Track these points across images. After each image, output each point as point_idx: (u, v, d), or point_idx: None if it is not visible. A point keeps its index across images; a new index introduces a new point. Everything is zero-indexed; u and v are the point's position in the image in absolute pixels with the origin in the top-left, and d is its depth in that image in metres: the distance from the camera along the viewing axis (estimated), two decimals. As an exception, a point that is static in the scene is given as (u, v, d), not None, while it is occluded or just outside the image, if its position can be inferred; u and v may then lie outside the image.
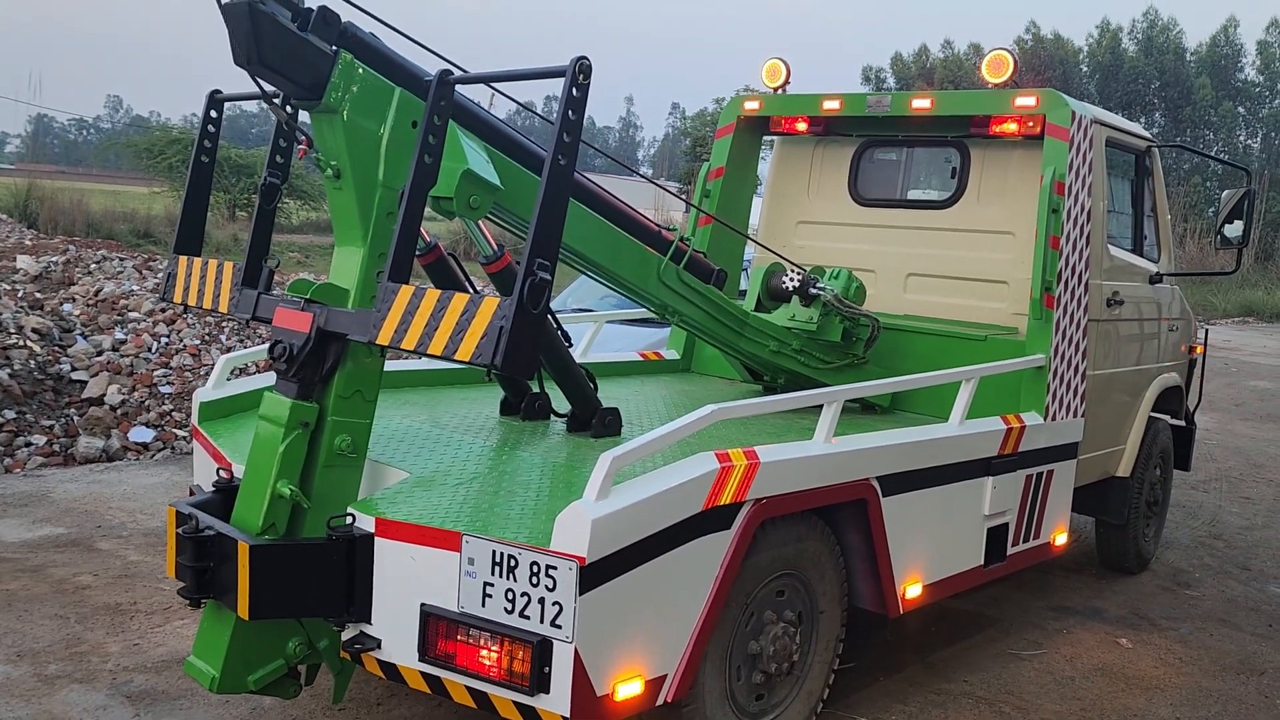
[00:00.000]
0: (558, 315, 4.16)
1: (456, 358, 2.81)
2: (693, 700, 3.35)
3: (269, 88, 3.22)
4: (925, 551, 4.21)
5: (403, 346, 2.97)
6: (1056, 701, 4.46)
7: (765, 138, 6.27)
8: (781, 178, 6.29)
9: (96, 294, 9.97)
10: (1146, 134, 5.98)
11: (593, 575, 2.83)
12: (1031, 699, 4.46)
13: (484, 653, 2.93)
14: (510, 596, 2.90)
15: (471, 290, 3.88)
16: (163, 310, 9.42)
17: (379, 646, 3.14)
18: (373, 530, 3.13)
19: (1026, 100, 5.08)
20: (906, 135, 5.87)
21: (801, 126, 6.05)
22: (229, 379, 4.40)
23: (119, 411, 7.93)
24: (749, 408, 3.75)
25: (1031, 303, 4.92)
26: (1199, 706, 4.51)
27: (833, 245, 6.06)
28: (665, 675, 3.13)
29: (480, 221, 3.79)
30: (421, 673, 3.07)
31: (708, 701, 3.40)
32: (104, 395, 8.02)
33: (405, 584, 3.08)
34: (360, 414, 3.34)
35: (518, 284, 2.72)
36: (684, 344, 6.15)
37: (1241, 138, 41.68)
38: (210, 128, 3.82)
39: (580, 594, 2.81)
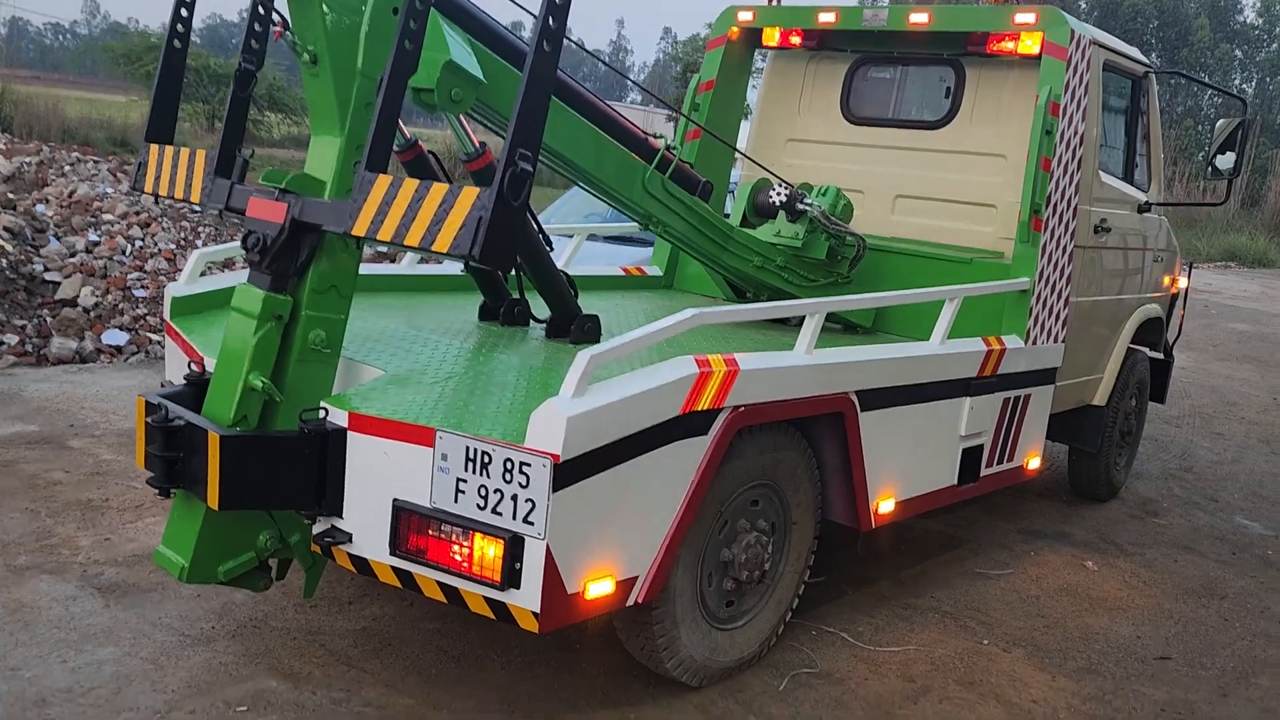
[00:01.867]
0: (540, 222, 4.09)
1: (434, 249, 2.76)
2: (663, 603, 3.37)
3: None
4: (900, 468, 4.23)
5: (379, 237, 2.90)
6: (1021, 618, 4.52)
7: (759, 56, 6.15)
8: (773, 94, 6.18)
9: (70, 195, 9.77)
10: (1145, 60, 5.89)
11: (566, 473, 2.81)
12: (997, 615, 4.53)
13: (455, 548, 2.92)
14: (483, 493, 2.89)
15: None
16: (137, 214, 9.26)
17: (350, 541, 3.13)
18: (346, 424, 3.09)
19: (1026, 17, 4.98)
20: (902, 52, 5.75)
21: (795, 40, 5.92)
22: (202, 275, 4.32)
23: (92, 314, 7.83)
24: (729, 314, 3.73)
25: (1019, 225, 4.88)
26: (1159, 626, 4.59)
27: (822, 164, 5.98)
28: (636, 577, 3.14)
29: (462, 118, 3.69)
30: (393, 568, 3.06)
31: (678, 605, 3.43)
32: (77, 297, 7.90)
33: (378, 479, 3.06)
34: (335, 309, 3.29)
35: (498, 174, 2.65)
36: (667, 260, 6.08)
37: (1237, 80, 41.42)
38: (183, 11, 3.69)
39: (554, 491, 2.79)
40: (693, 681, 3.58)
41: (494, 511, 2.88)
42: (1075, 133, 4.99)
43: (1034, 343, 4.93)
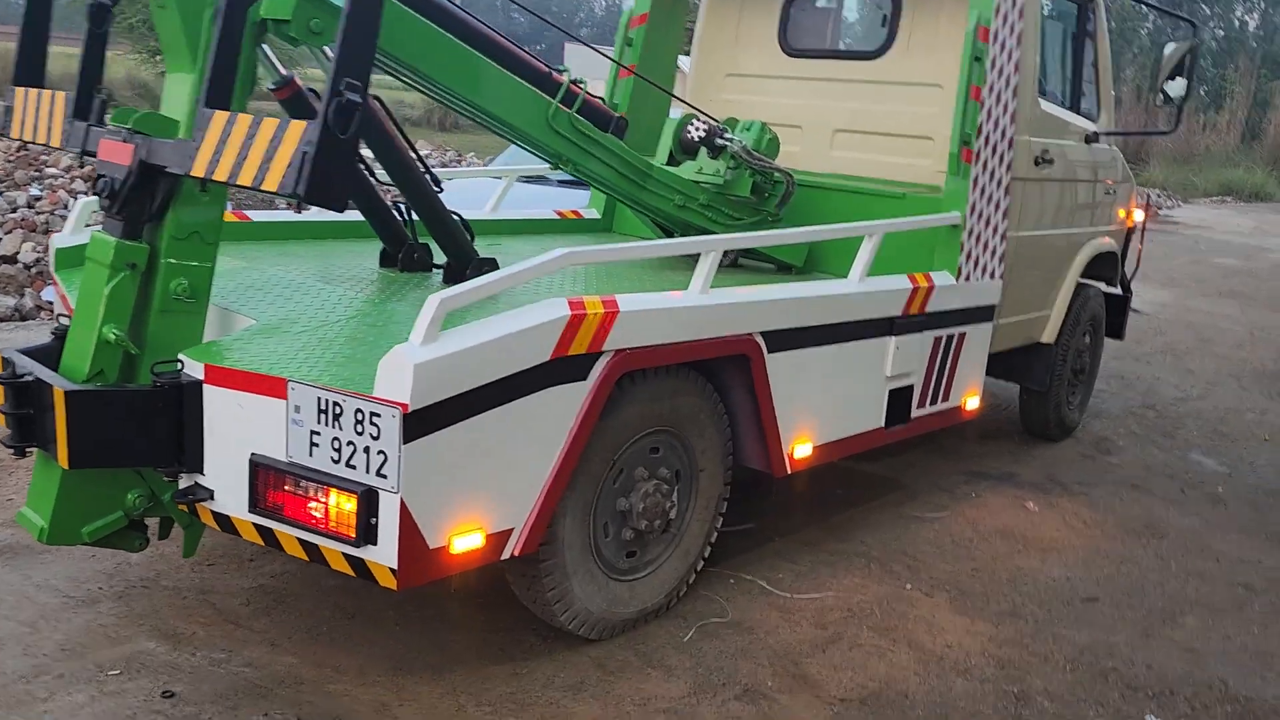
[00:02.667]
0: (429, 163, 3.91)
1: (263, 188, 2.59)
2: (550, 555, 3.25)
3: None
4: (817, 411, 4.08)
5: (215, 178, 2.74)
6: (950, 561, 4.41)
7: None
8: (711, 27, 5.95)
9: (17, 151, 9.57)
10: (1091, -19, 5.65)
11: (418, 423, 2.67)
12: (924, 559, 4.42)
13: (312, 504, 2.79)
14: (336, 445, 2.75)
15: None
16: (81, 166, 9.06)
17: (212, 498, 3.00)
18: (201, 377, 2.95)
19: (955, -63, 4.74)
20: (835, -21, 5.52)
21: (728, -31, 5.69)
22: (89, 225, 4.15)
23: (33, 270, 7.67)
24: (606, 253, 3.55)
25: (949, 157, 4.69)
26: (1093, 567, 4.48)
27: (759, 99, 5.77)
28: (512, 529, 3.02)
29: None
30: (254, 524, 2.94)
31: (567, 556, 3.31)
32: (17, 253, 7.74)
33: (235, 433, 2.92)
34: (198, 257, 3.13)
35: (322, 105, 2.48)
36: (605, 203, 5.89)
37: (1239, 13, 40.61)
38: None
39: (404, 443, 2.66)
40: (590, 634, 3.48)
41: (348, 465, 2.74)
42: (1009, 59, 4.77)
43: (967, 279, 4.76)
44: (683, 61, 6.12)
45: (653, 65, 5.74)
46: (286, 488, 2.83)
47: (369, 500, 2.71)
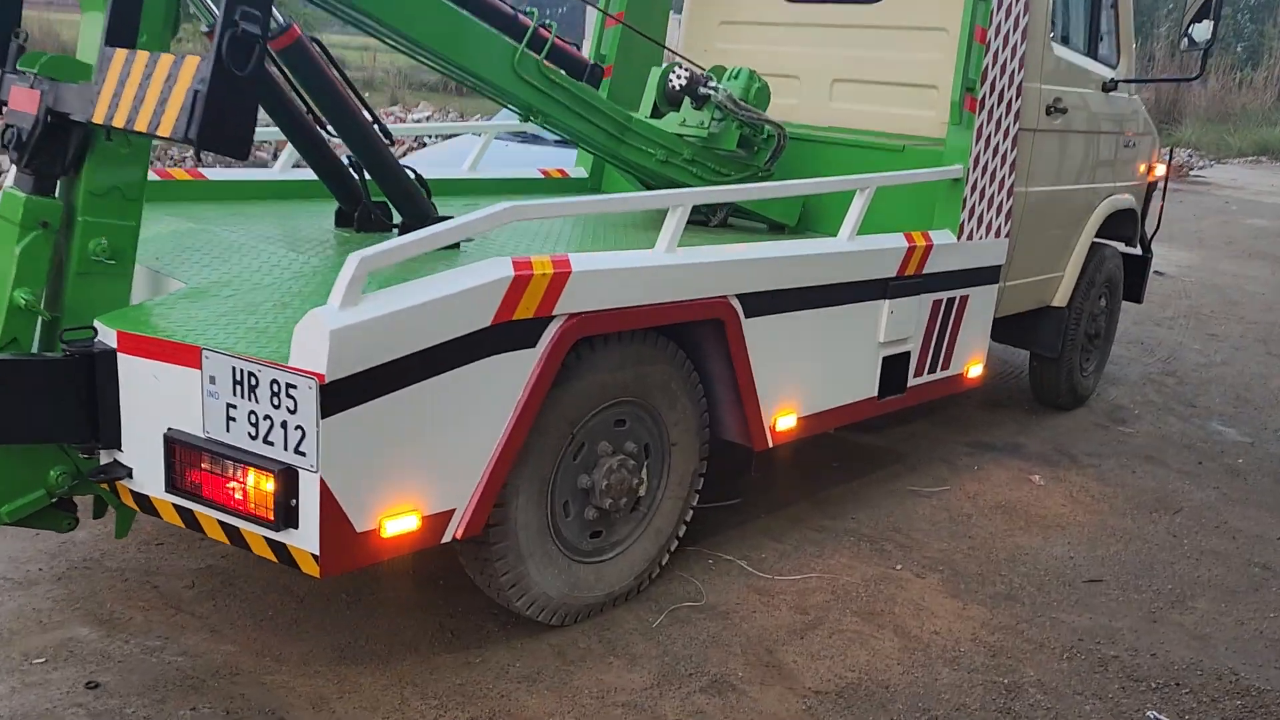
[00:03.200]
0: (380, 117, 3.64)
1: (159, 134, 2.34)
2: (501, 537, 3.02)
3: None
4: (802, 380, 3.82)
5: (114, 123, 2.49)
6: (945, 540, 4.15)
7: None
8: (705, -30, 5.61)
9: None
10: (1109, -86, 5.26)
11: (339, 396, 2.43)
12: (919, 536, 4.15)
13: (231, 484, 2.56)
14: (254, 420, 2.52)
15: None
16: None
17: (130, 476, 2.78)
18: (115, 345, 2.72)
19: None
20: (833, -84, 5.17)
21: (722, -92, 5.35)
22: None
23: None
24: (554, 207, 3.28)
25: (951, 106, 4.37)
26: (1098, 545, 4.20)
27: (757, 48, 5.45)
28: (453, 510, 2.78)
29: None
30: (174, 505, 2.72)
31: (521, 537, 3.07)
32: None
33: (151, 406, 2.70)
34: (120, 214, 2.89)
35: (215, 38, 2.22)
36: (593, 162, 5.60)
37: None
38: None
39: (323, 417, 2.42)
40: (551, 620, 3.24)
41: (265, 441, 2.51)
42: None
43: (969, 238, 4.45)
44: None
45: (643, 13, 5.43)
46: (204, 466, 2.60)
47: (287, 480, 2.48)
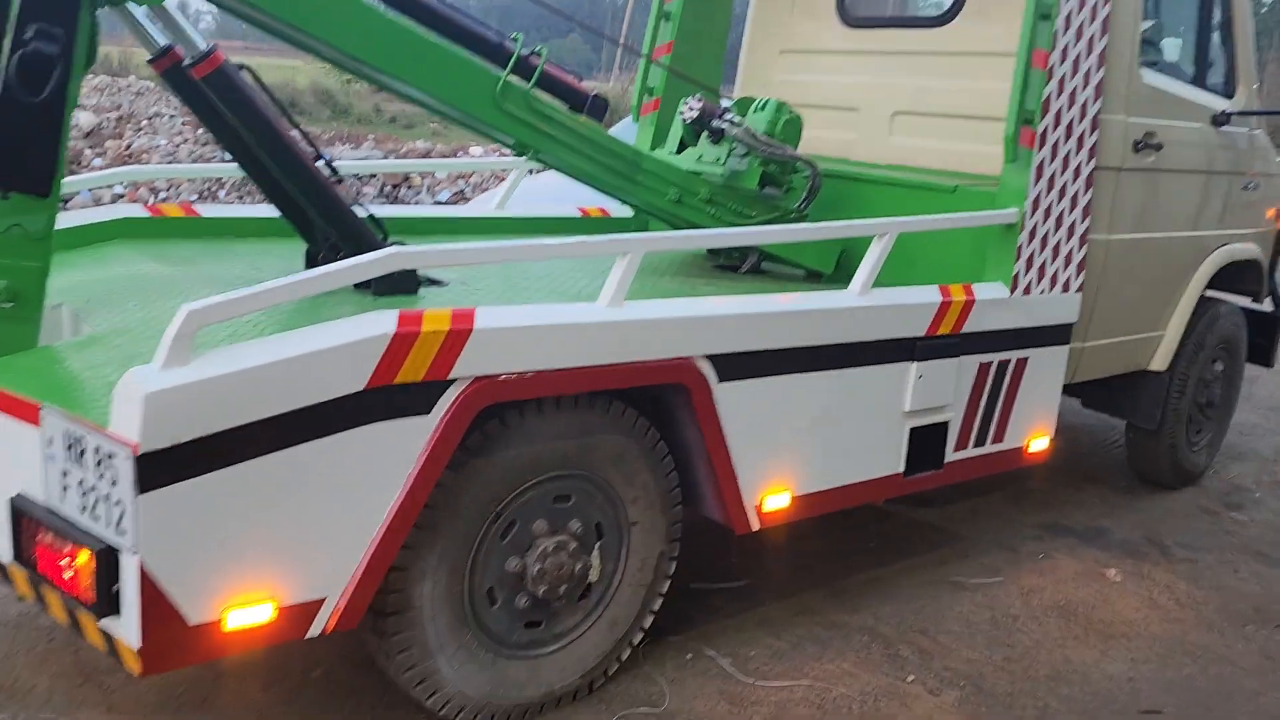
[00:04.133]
0: (328, 156, 3.35)
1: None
2: (403, 627, 2.64)
3: None
4: (799, 454, 3.31)
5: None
6: (978, 647, 3.53)
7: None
8: (764, -4, 5.19)
9: (127, 149, 9.73)
10: (1223, -75, 4.57)
11: (159, 467, 2.11)
12: (946, 640, 3.55)
13: (63, 560, 2.28)
14: (84, 488, 2.23)
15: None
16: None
17: (-11, 539, 2.54)
18: (-23, 397, 2.49)
19: None
20: (895, -68, 4.67)
21: (779, -72, 4.92)
22: None
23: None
24: (442, 254, 2.89)
25: (1005, 140, 3.79)
26: (1168, 664, 3.50)
27: (816, 78, 4.99)
28: (323, 599, 2.42)
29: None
30: (25, 576, 2.46)
31: (429, 630, 2.68)
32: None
33: (4, 467, 2.45)
34: (22, 254, 2.67)
35: (4, 59, 1.94)
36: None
37: None
38: None
39: (140, 492, 2.10)
40: (470, 721, 2.84)
41: (91, 515, 2.21)
42: (1093, 18, 3.82)
43: (1026, 292, 3.85)
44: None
45: (697, 45, 5.04)
46: (41, 537, 2.33)
47: (108, 560, 2.17)
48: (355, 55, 3.11)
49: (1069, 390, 4.94)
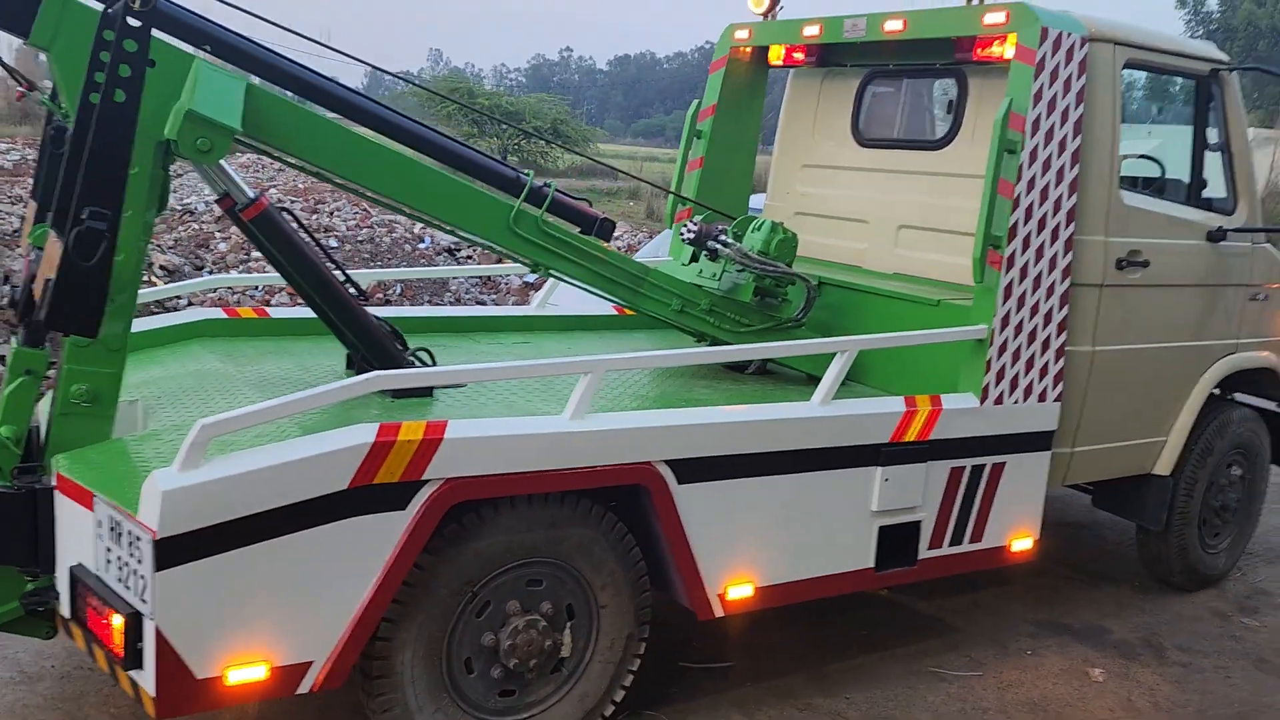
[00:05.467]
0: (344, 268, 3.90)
1: (41, 315, 2.68)
2: (386, 689, 3.09)
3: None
4: (763, 548, 3.65)
5: (39, 300, 2.87)
6: (938, 737, 3.77)
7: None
8: (790, 116, 5.65)
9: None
10: (1213, 54, 4.81)
11: (173, 550, 2.63)
12: (909, 730, 3.80)
13: (104, 620, 2.81)
14: (120, 563, 2.77)
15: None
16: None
17: (58, 599, 3.11)
18: (55, 484, 3.08)
19: (995, 17, 4.20)
20: (899, 65, 5.07)
21: (799, 57, 5.38)
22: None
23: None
24: (423, 376, 3.36)
25: (973, 262, 4.11)
26: (1121, 767, 3.66)
27: (831, 192, 5.39)
28: (310, 662, 2.89)
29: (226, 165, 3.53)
30: (80, 632, 3.01)
31: (409, 692, 3.13)
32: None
33: (70, 541, 3.02)
34: (100, 363, 3.26)
35: (65, 234, 2.54)
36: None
37: None
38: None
39: (157, 569, 2.62)
40: (447, 776, 3.25)
41: (125, 585, 2.75)
42: (1061, 150, 4.13)
43: (998, 402, 4.12)
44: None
45: (727, 158, 5.52)
46: (91, 602, 2.87)
47: (135, 623, 2.69)
48: (386, 194, 3.68)
49: (1078, 489, 5.16)
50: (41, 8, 3.00)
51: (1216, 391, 5.25)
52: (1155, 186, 4.92)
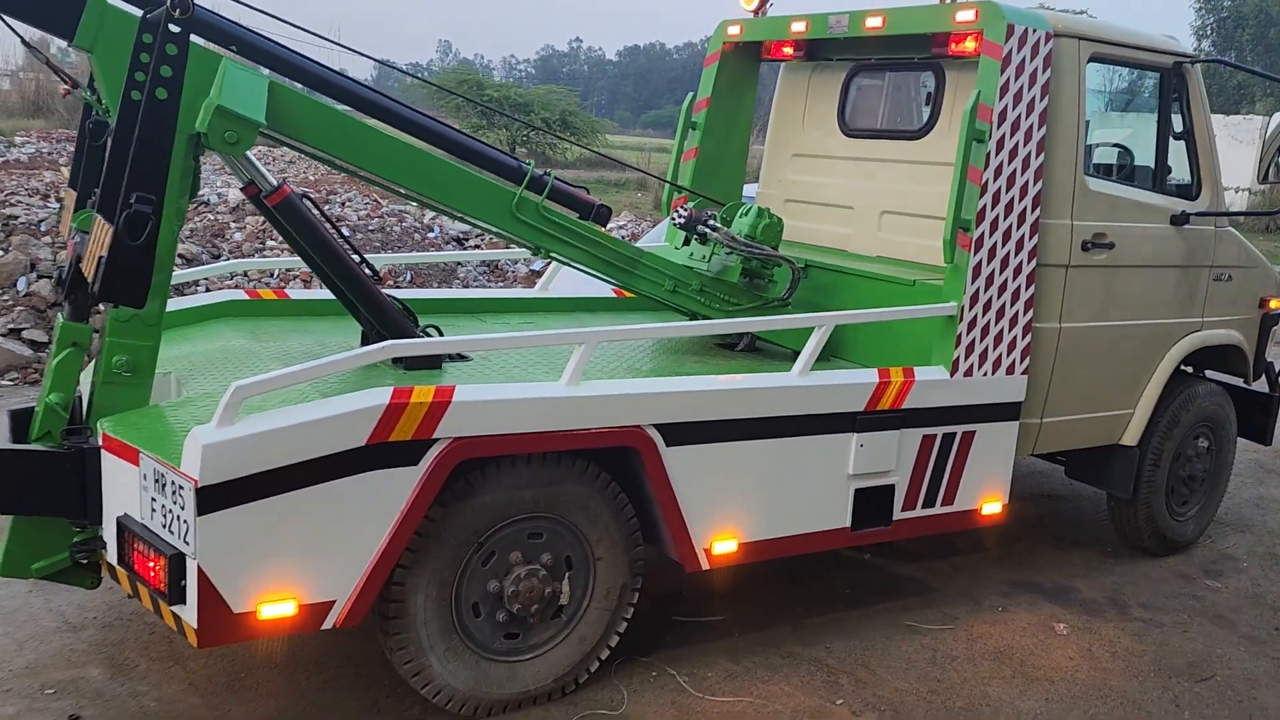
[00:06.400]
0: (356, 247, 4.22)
1: (94, 288, 3.01)
2: (401, 629, 3.42)
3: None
4: (746, 507, 3.97)
5: (87, 274, 3.20)
6: (909, 680, 4.08)
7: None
8: (781, 108, 5.94)
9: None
10: (1176, 48, 5.09)
11: (212, 497, 2.96)
12: (883, 674, 4.11)
13: (150, 562, 3.15)
14: (164, 511, 3.10)
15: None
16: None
17: (104, 548, 3.44)
18: (100, 444, 3.41)
19: (965, 14, 4.49)
20: (880, 58, 5.36)
21: (788, 51, 5.68)
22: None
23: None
24: (434, 345, 3.68)
25: (944, 243, 4.41)
26: (1079, 705, 3.97)
27: (819, 180, 5.69)
28: (334, 601, 3.22)
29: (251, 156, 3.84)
30: (125, 575, 3.34)
31: (422, 632, 3.45)
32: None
33: (116, 494, 3.35)
34: (139, 336, 3.58)
35: (115, 217, 2.86)
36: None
37: None
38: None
39: (199, 514, 2.95)
40: (456, 710, 3.58)
41: (168, 529, 3.08)
42: (1026, 138, 4.43)
43: (967, 374, 4.42)
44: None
45: (721, 148, 5.83)
46: (137, 547, 3.20)
47: (179, 563, 3.02)
48: (396, 181, 3.99)
49: (1048, 459, 5.47)
50: (84, 14, 3.33)
51: (1188, 369, 5.55)
52: (1124, 173, 5.20)
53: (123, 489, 3.32)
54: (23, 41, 3.61)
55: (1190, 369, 5.62)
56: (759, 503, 4.01)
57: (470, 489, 3.45)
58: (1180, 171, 5.25)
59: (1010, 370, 4.56)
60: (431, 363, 4.00)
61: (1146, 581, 5.24)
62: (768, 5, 5.60)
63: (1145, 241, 5.00)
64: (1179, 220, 5.09)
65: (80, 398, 3.66)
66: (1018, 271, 4.51)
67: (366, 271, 4.05)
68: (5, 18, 3.34)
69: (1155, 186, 5.10)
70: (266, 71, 3.81)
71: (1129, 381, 5.15)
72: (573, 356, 3.59)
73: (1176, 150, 5.23)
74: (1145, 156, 5.21)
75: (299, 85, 3.94)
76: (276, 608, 3.12)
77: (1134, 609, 4.90)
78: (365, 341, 4.40)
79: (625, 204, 19.48)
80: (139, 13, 3.30)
